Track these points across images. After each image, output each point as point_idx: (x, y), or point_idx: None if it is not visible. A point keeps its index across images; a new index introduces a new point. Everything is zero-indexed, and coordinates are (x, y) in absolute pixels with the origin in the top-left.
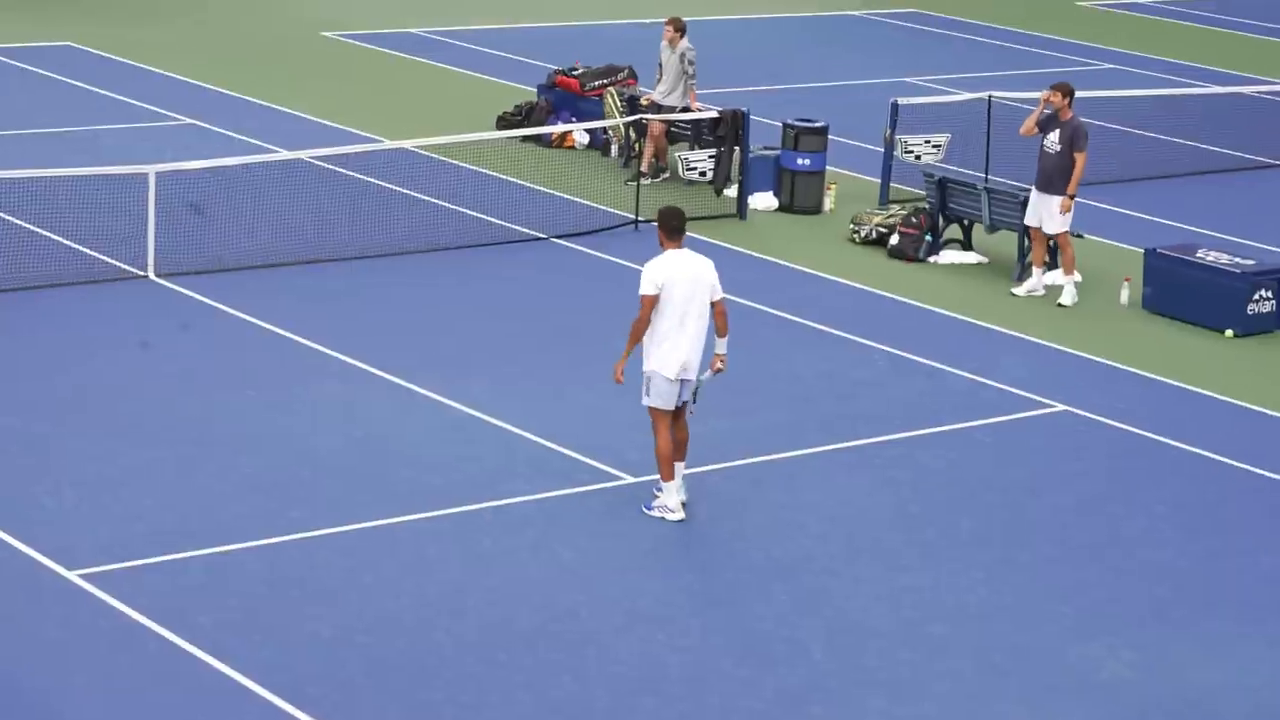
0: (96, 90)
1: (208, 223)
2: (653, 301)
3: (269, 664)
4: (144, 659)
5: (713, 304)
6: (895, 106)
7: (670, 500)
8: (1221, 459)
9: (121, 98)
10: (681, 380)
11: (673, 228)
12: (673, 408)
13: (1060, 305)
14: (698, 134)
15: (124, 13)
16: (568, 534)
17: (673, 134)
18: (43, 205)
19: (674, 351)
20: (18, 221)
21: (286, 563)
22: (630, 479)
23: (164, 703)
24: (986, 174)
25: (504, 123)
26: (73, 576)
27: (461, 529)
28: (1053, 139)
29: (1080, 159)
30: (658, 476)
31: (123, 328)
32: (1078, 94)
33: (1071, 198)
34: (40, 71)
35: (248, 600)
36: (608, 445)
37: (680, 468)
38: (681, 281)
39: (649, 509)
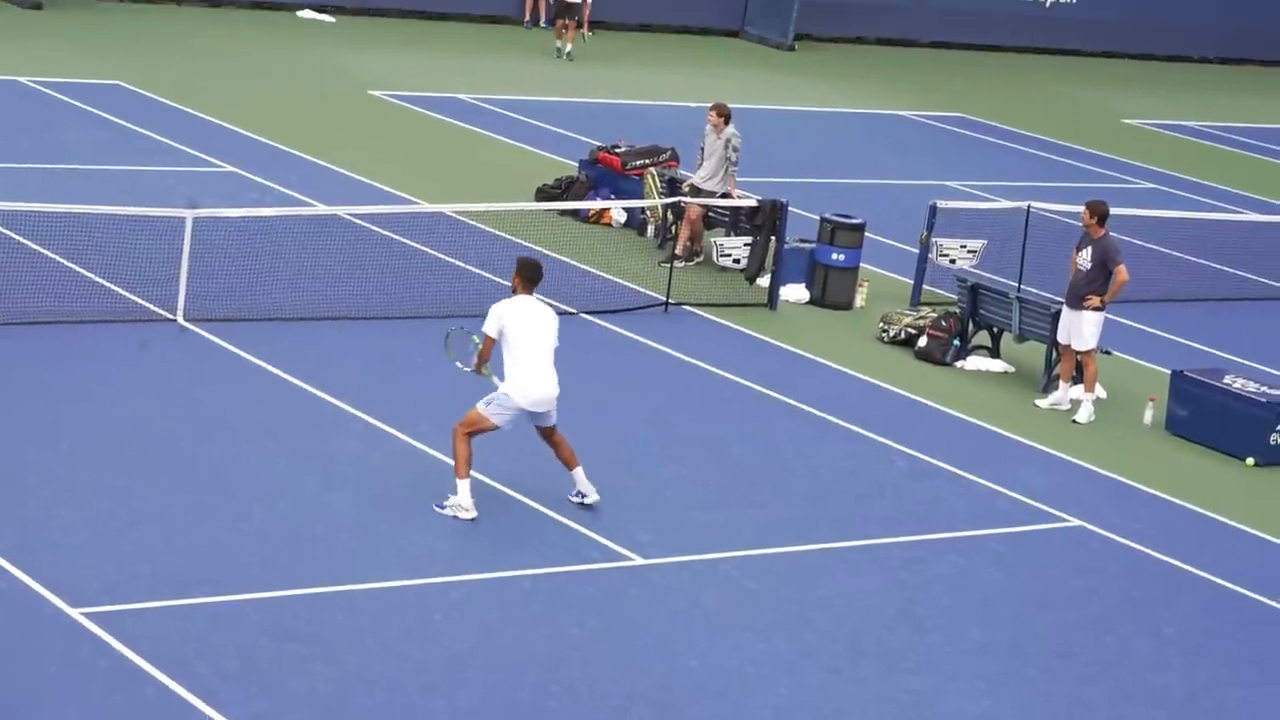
0: (142, 131)
1: (238, 271)
2: (491, 343)
3: (263, 717)
4: (139, 702)
5: None
6: (934, 209)
7: (464, 499)
8: (1234, 587)
9: (166, 140)
10: (537, 412)
11: (528, 277)
12: (502, 428)
13: (1075, 422)
14: (735, 221)
15: (176, 57)
16: (573, 610)
17: (710, 219)
18: (79, 241)
19: (531, 386)
20: (53, 256)
21: (291, 617)
22: (640, 560)
23: None
24: (1020, 283)
25: (543, 195)
26: (76, 614)
27: (468, 597)
28: (1084, 256)
29: (1121, 271)
30: (662, 559)
31: (147, 369)
32: (1115, 211)
33: (1104, 303)
34: (89, 109)
35: (248, 651)
36: (620, 525)
37: (580, 471)
38: (528, 322)
39: (441, 507)
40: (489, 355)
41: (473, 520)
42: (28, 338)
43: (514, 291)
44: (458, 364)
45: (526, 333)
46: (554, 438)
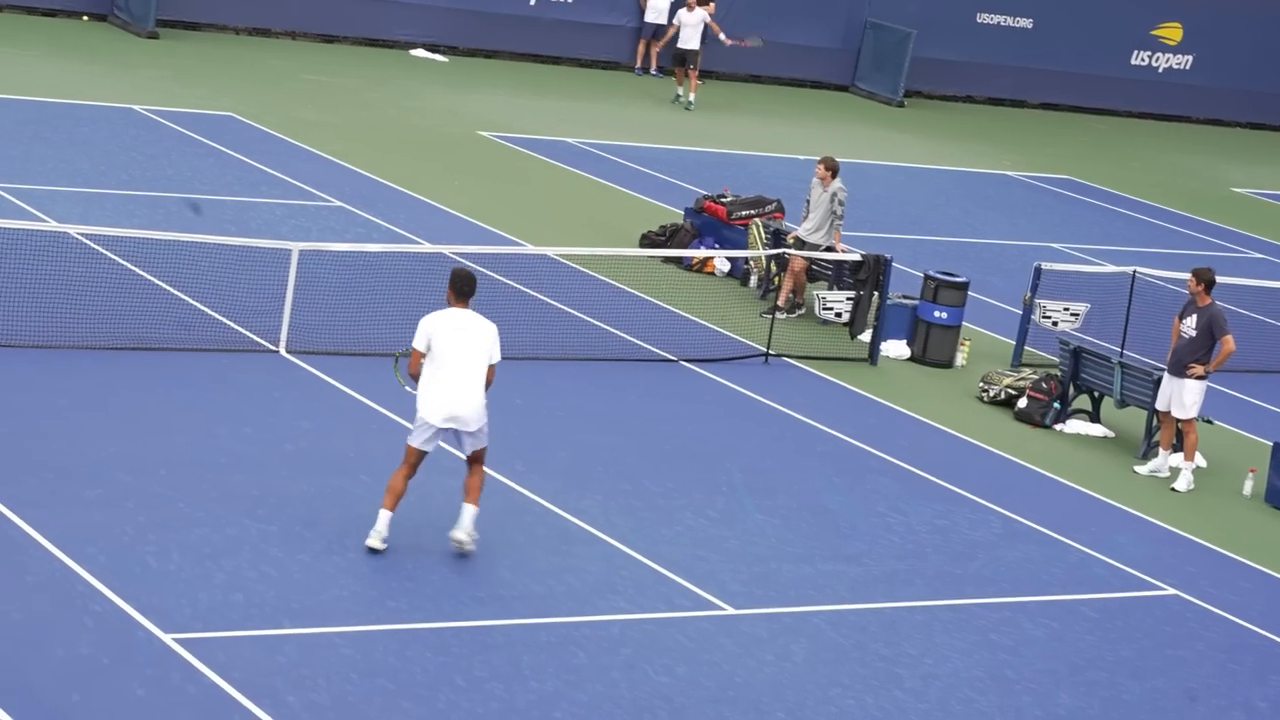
0: (252, 163)
1: (342, 305)
2: (419, 355)
3: None
4: None
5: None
6: (1038, 270)
7: (380, 525)
8: None
9: (275, 173)
10: (455, 431)
11: (459, 289)
12: (426, 449)
13: (1174, 490)
14: (839, 275)
15: (288, 91)
16: (662, 658)
17: (813, 272)
18: (185, 269)
19: (438, 401)
20: (159, 282)
21: (380, 652)
22: (731, 609)
23: None
24: (1123, 348)
25: (647, 241)
26: (167, 639)
27: (557, 640)
28: (1189, 324)
29: (1228, 340)
30: (752, 609)
31: (248, 399)
32: (1221, 279)
33: (1208, 371)
34: (201, 139)
35: (338, 684)
36: (712, 573)
37: (470, 511)
38: (451, 334)
39: None
40: (417, 369)
41: (375, 552)
42: (130, 363)
43: (447, 303)
44: (406, 388)
45: (451, 347)
46: (472, 466)
